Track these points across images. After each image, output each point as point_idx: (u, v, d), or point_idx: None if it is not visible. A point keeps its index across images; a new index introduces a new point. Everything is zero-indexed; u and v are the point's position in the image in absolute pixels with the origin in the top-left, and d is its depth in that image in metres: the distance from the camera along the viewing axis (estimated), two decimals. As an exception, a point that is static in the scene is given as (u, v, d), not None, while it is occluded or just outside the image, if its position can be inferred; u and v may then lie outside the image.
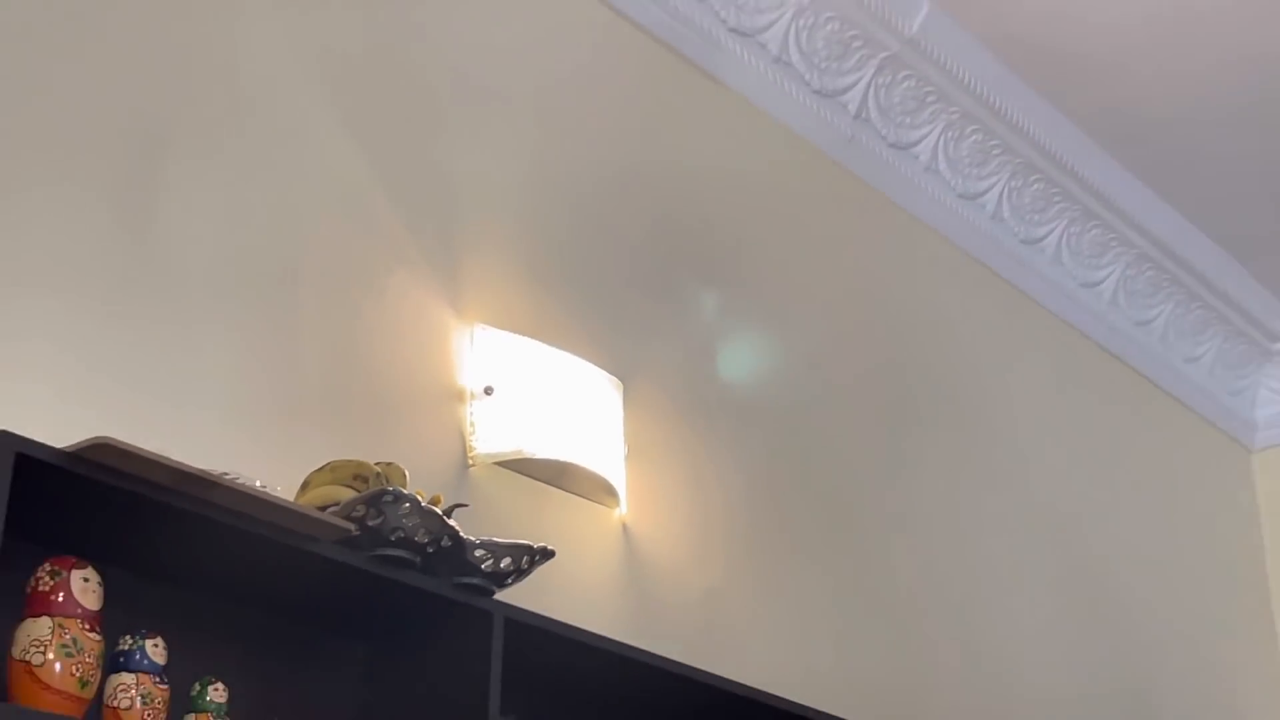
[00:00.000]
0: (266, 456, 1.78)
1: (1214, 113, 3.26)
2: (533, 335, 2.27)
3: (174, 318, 1.85)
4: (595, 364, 2.30)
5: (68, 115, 1.80)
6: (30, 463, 1.27)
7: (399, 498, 1.58)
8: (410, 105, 2.35)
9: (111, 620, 1.45)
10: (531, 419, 2.20)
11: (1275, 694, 3.96)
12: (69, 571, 1.37)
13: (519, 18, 2.54)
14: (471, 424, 2.18)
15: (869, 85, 3.03)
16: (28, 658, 1.33)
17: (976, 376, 3.39)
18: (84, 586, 1.38)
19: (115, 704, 1.40)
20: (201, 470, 1.38)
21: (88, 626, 1.36)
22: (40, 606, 1.36)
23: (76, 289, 1.74)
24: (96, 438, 1.30)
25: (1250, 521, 4.15)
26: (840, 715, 2.29)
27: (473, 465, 2.17)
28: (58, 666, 1.33)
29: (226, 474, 1.42)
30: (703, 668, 2.10)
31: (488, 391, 2.15)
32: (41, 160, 1.74)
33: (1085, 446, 3.59)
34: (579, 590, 2.22)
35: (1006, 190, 3.33)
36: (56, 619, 1.35)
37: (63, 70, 1.82)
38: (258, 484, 1.46)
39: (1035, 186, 3.35)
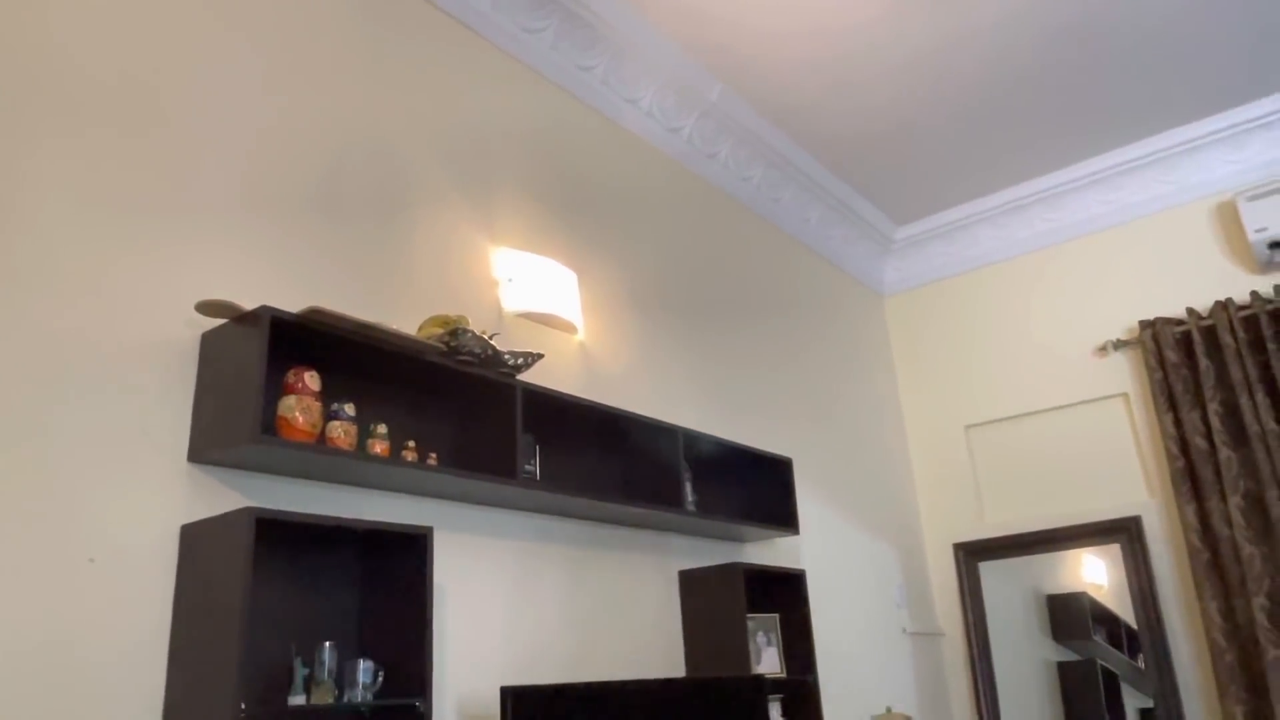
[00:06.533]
0: (393, 321, 2.35)
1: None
2: (529, 250, 2.91)
3: (335, 239, 2.39)
4: (562, 263, 2.92)
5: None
6: (279, 322, 1.92)
7: (466, 331, 2.24)
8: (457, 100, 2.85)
9: (327, 395, 2.11)
10: (531, 292, 2.78)
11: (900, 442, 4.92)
12: (303, 372, 2.03)
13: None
14: (501, 295, 2.78)
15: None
16: (286, 414, 1.98)
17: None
18: (310, 379, 2.03)
19: (332, 436, 2.07)
20: (365, 321, 2.07)
21: (313, 399, 2.01)
22: (290, 390, 2.01)
23: (281, 226, 2.29)
24: (312, 307, 1.96)
25: (883, 343, 5.20)
26: (692, 427, 3.12)
27: (503, 315, 2.79)
28: (300, 418, 1.98)
29: (378, 323, 2.09)
30: (623, 408, 2.83)
31: (509, 280, 2.75)
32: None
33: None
34: (558, 375, 2.90)
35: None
36: (298, 396, 2.00)
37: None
38: (395, 327, 2.13)
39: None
